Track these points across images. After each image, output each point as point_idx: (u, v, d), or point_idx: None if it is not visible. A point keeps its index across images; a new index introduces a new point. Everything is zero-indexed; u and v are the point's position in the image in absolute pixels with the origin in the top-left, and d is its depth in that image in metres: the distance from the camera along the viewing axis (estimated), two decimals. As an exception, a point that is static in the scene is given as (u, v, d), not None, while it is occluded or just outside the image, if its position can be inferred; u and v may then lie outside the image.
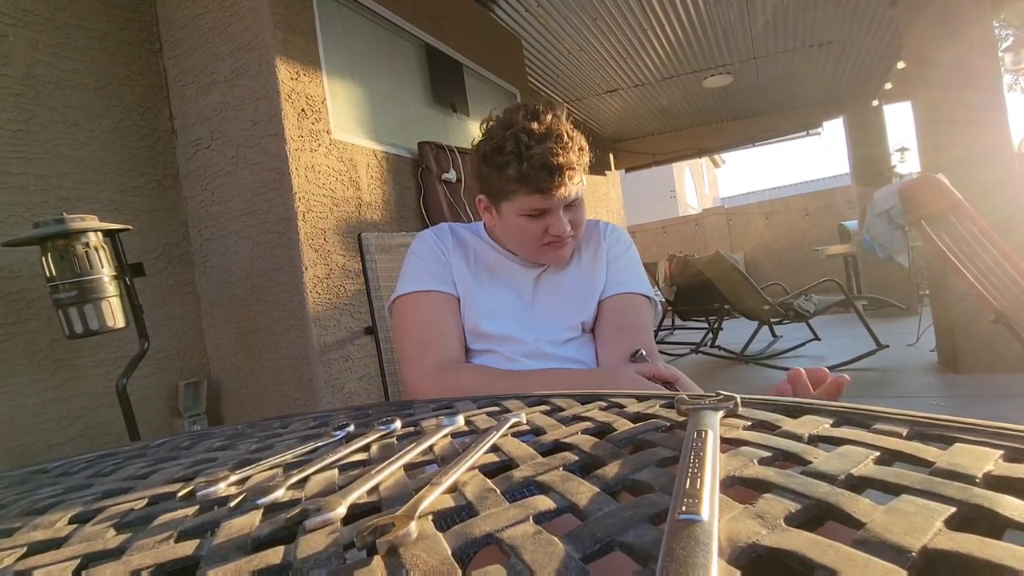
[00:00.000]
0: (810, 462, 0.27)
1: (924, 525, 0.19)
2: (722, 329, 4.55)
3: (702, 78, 5.36)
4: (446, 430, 0.42)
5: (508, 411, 0.47)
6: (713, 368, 4.17)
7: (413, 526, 0.23)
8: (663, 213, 12.41)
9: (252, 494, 0.31)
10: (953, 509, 0.20)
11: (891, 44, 4.82)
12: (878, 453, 0.27)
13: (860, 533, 0.19)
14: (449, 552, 0.21)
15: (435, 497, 0.26)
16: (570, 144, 0.87)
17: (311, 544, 0.24)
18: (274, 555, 0.23)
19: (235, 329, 2.24)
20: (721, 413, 0.35)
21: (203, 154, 2.24)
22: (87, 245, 1.60)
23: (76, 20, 2.02)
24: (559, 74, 4.92)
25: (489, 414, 0.48)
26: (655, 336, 1.06)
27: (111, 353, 1.97)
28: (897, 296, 4.78)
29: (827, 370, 0.63)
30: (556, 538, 0.21)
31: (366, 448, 0.41)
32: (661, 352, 1.04)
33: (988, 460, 0.25)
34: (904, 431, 0.30)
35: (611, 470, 0.29)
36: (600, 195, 6.92)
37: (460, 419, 0.44)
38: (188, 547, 0.26)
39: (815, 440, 0.31)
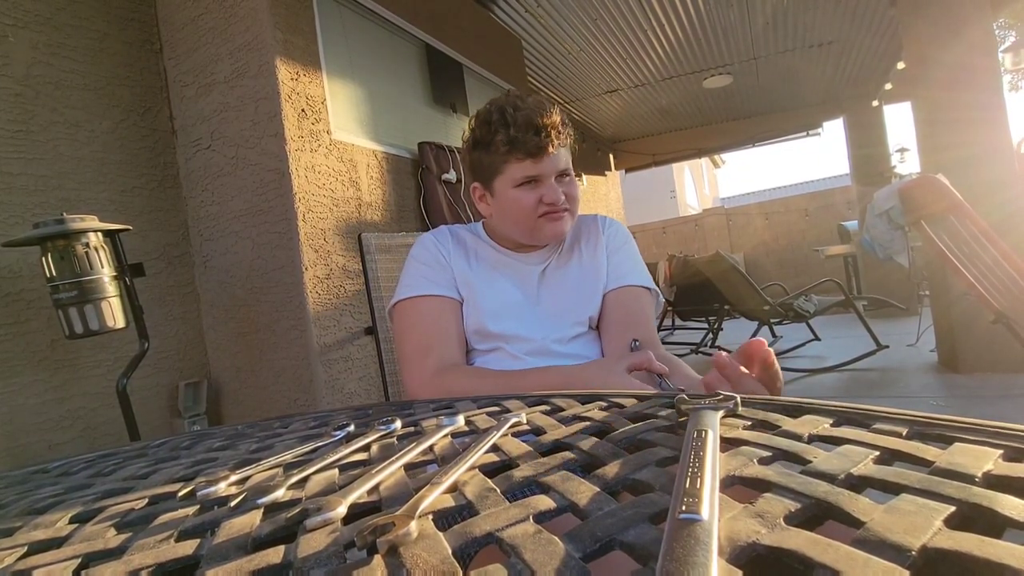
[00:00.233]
0: (810, 461, 0.27)
1: (924, 524, 0.19)
2: (722, 329, 4.55)
3: (702, 78, 5.36)
4: (446, 430, 0.42)
5: (508, 411, 0.47)
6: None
7: (413, 525, 0.23)
8: (663, 213, 12.41)
9: (252, 494, 0.31)
10: (953, 508, 0.20)
11: (891, 44, 4.82)
12: (878, 453, 0.27)
13: (860, 532, 0.19)
14: (449, 551, 0.21)
15: (435, 497, 0.26)
16: (553, 111, 0.92)
17: (311, 544, 0.24)
18: (274, 554, 0.23)
19: (235, 329, 2.24)
20: (721, 413, 0.35)
21: (203, 154, 2.24)
22: (87, 245, 1.60)
23: (76, 21, 2.02)
24: (559, 74, 4.93)
25: (489, 414, 0.48)
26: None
27: (111, 353, 1.97)
28: (897, 296, 4.78)
29: (760, 341, 0.59)
30: (556, 537, 0.21)
31: (366, 448, 0.41)
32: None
33: (988, 459, 0.25)
34: (904, 431, 0.30)
35: (611, 470, 0.29)
36: (600, 195, 6.92)
37: (460, 419, 0.44)
38: (188, 547, 0.26)
39: (815, 439, 0.31)
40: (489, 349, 0.94)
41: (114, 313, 1.64)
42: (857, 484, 0.24)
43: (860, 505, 0.21)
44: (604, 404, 0.46)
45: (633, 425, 0.38)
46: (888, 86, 5.79)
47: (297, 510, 0.27)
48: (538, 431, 0.40)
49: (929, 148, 3.26)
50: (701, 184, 19.17)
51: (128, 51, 2.18)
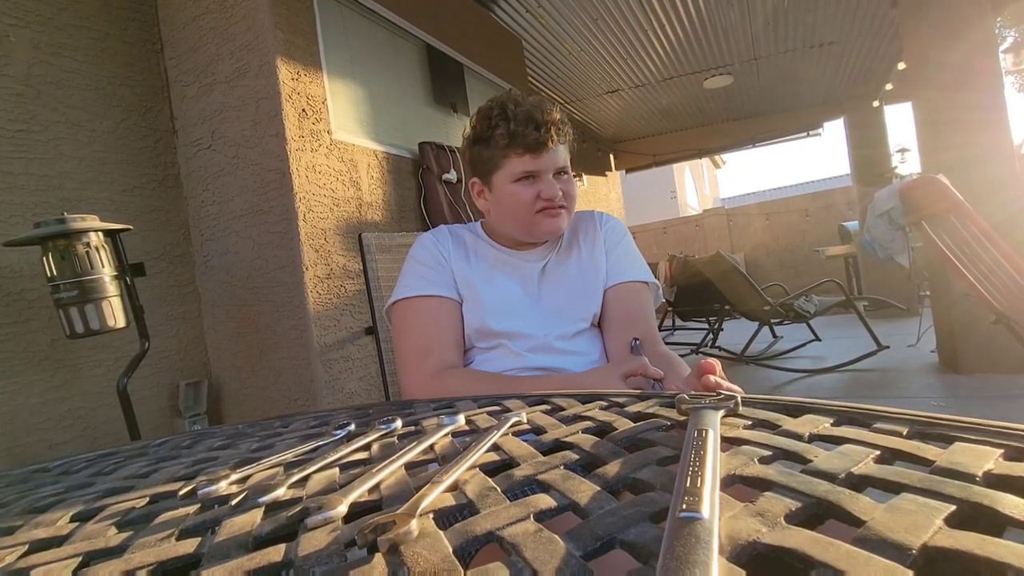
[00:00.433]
0: (811, 461, 0.27)
1: (924, 523, 0.19)
2: (722, 330, 4.55)
3: (703, 79, 5.36)
4: (447, 429, 0.42)
5: (509, 410, 0.47)
6: (713, 369, 4.16)
7: (414, 524, 0.23)
8: (664, 214, 12.40)
9: (253, 493, 0.32)
10: (953, 507, 0.20)
11: (892, 45, 4.82)
12: (878, 452, 0.27)
13: (860, 531, 0.19)
14: (450, 550, 0.21)
15: (436, 496, 0.26)
16: (554, 109, 0.93)
17: (312, 542, 0.24)
18: (275, 553, 0.23)
19: (236, 329, 2.24)
20: (722, 412, 0.35)
21: (204, 154, 2.24)
22: (88, 245, 1.60)
23: (77, 20, 2.02)
24: (559, 74, 4.93)
25: (490, 413, 0.48)
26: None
27: (112, 353, 1.97)
28: (898, 297, 4.77)
29: (709, 363, 0.63)
30: (557, 536, 0.21)
31: (367, 447, 0.41)
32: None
33: (988, 459, 0.25)
34: (904, 430, 0.30)
35: (612, 469, 0.29)
36: (600, 196, 6.91)
37: (461, 418, 0.44)
38: (189, 545, 0.26)
39: (815, 439, 0.31)
40: (490, 347, 0.94)
41: (115, 313, 1.64)
42: (858, 483, 0.24)
43: (861, 504, 0.21)
44: (604, 404, 0.46)
45: (634, 425, 0.38)
46: (889, 86, 5.79)
47: (298, 509, 0.27)
48: (539, 430, 0.40)
49: (930, 149, 3.26)
50: (702, 184, 19.17)
51: (129, 51, 2.19)
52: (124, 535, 0.29)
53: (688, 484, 0.23)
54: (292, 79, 2.09)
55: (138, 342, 1.80)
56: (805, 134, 7.47)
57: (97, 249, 1.62)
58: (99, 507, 0.35)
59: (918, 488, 0.22)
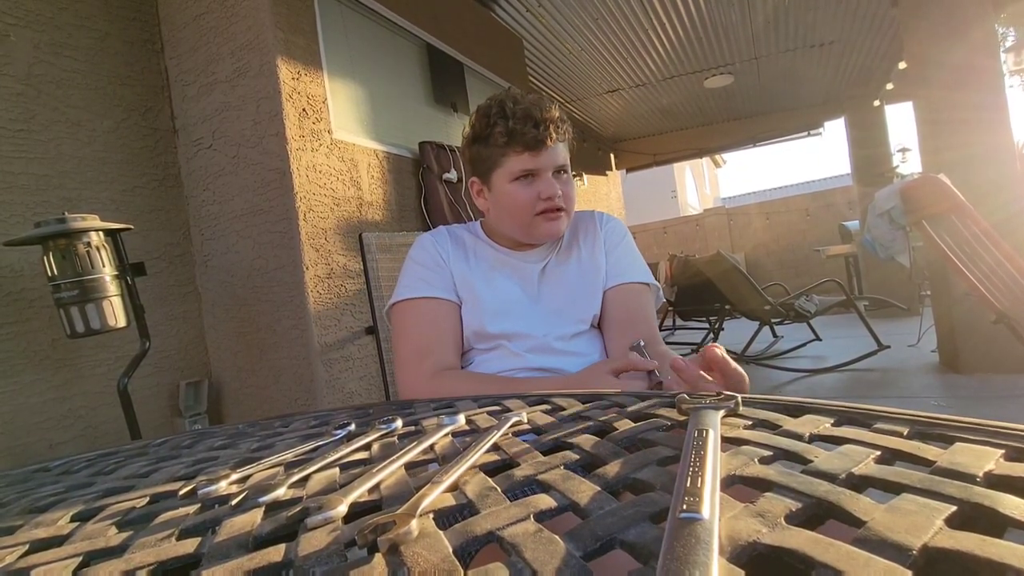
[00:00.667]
0: (811, 461, 0.27)
1: (925, 524, 0.19)
2: (723, 329, 4.54)
3: (703, 78, 5.35)
4: (447, 429, 0.42)
5: (509, 410, 0.47)
6: (714, 368, 4.16)
7: (414, 524, 0.23)
8: (664, 213, 12.40)
9: (253, 492, 0.32)
10: (954, 508, 0.20)
11: (892, 44, 4.81)
12: (879, 452, 0.27)
13: (861, 531, 0.19)
14: (450, 550, 0.21)
15: (436, 496, 0.26)
16: (552, 107, 0.92)
17: (312, 542, 0.24)
18: (276, 553, 0.23)
19: (236, 329, 2.24)
20: (722, 412, 0.35)
21: (204, 154, 2.24)
22: (88, 244, 1.61)
23: (78, 20, 2.02)
24: (560, 74, 4.93)
25: (490, 413, 0.48)
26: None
27: (112, 352, 1.97)
28: (898, 296, 4.77)
29: (714, 347, 0.62)
30: (557, 536, 0.21)
31: (367, 447, 0.41)
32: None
33: (989, 459, 0.25)
34: (905, 430, 0.30)
35: (612, 469, 0.29)
36: (601, 195, 6.91)
37: (461, 418, 0.44)
38: (189, 545, 0.26)
39: (816, 439, 0.31)
40: (490, 347, 0.94)
41: (115, 312, 1.64)
42: (858, 484, 0.24)
43: (861, 504, 0.21)
44: (605, 404, 0.46)
45: (634, 424, 0.38)
46: (889, 86, 5.79)
47: (298, 509, 0.27)
48: (539, 430, 0.40)
49: (930, 148, 3.26)
50: (702, 184, 19.16)
51: (129, 50, 2.19)
52: (124, 535, 0.29)
53: (688, 484, 0.23)
54: (292, 79, 2.09)
55: (138, 342, 1.80)
56: (806, 133, 7.47)
57: (98, 249, 1.63)
58: (99, 507, 0.35)
59: (918, 488, 0.22)
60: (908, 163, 7.15)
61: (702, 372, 0.62)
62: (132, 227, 1.80)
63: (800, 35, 4.58)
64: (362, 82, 2.50)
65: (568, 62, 4.66)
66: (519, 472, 0.30)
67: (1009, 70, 5.50)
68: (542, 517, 0.24)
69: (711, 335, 4.55)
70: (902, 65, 4.70)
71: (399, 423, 0.46)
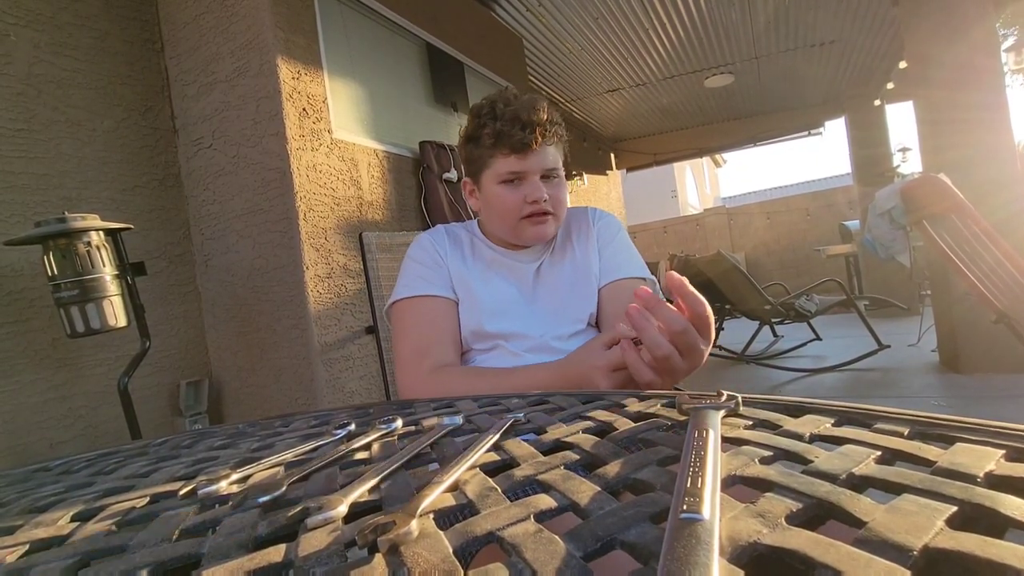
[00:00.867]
0: (811, 461, 0.27)
1: (925, 524, 0.19)
2: (723, 329, 4.55)
3: (703, 78, 5.35)
4: (447, 429, 0.42)
5: (509, 410, 0.47)
6: (714, 368, 4.17)
7: (414, 524, 0.23)
8: (664, 213, 12.40)
9: (253, 492, 0.31)
10: (954, 508, 0.20)
11: (893, 44, 4.81)
12: (879, 452, 0.27)
13: (861, 532, 0.19)
14: (450, 550, 0.21)
15: (436, 496, 0.26)
16: (542, 108, 0.91)
17: (312, 542, 0.24)
18: (275, 553, 0.23)
19: (236, 328, 2.24)
20: (722, 412, 0.35)
21: (204, 153, 2.24)
22: (89, 244, 1.61)
23: (78, 19, 2.02)
24: (560, 73, 4.92)
25: (490, 413, 0.48)
26: None
27: (112, 352, 1.97)
28: (898, 296, 4.77)
29: (671, 275, 0.58)
30: (557, 536, 0.21)
31: (367, 447, 0.41)
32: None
33: (990, 459, 0.24)
34: (905, 430, 0.30)
35: (612, 469, 0.29)
36: (601, 195, 6.91)
37: (461, 418, 0.44)
38: (190, 545, 0.26)
39: (816, 439, 0.31)
40: (488, 348, 0.94)
41: (115, 312, 1.64)
42: (859, 484, 0.24)
43: (862, 505, 0.21)
44: (605, 403, 0.46)
45: (634, 424, 0.38)
46: (890, 85, 5.78)
47: (298, 509, 0.27)
48: (539, 430, 0.40)
49: (931, 148, 3.25)
50: (702, 183, 19.16)
51: (129, 50, 2.19)
52: (124, 535, 0.29)
53: (689, 485, 0.23)
54: (293, 78, 2.09)
55: (139, 341, 1.80)
56: (806, 133, 7.47)
57: (98, 248, 1.63)
58: (99, 507, 0.35)
59: (919, 489, 0.22)
60: (908, 163, 7.15)
61: (666, 304, 0.59)
62: (132, 227, 1.80)
63: (800, 34, 4.58)
64: (362, 82, 2.50)
65: (568, 62, 4.66)
66: (519, 472, 0.30)
67: (1010, 69, 5.50)
68: (542, 517, 0.24)
69: (711, 335, 4.54)
70: (903, 64, 4.70)
71: (399, 423, 0.46)
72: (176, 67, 2.28)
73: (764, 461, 0.28)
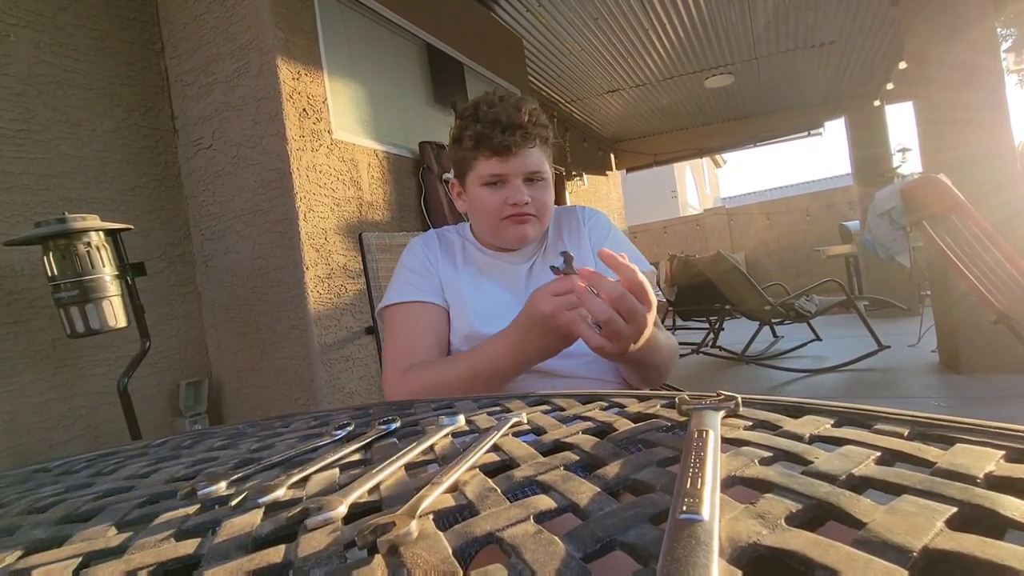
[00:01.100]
0: (811, 462, 0.27)
1: (925, 525, 0.19)
2: (723, 329, 4.54)
3: (703, 78, 5.35)
4: (447, 430, 0.42)
5: (509, 411, 0.47)
6: (714, 368, 4.17)
7: (414, 525, 0.23)
8: (664, 213, 12.40)
9: (253, 493, 0.32)
10: (954, 509, 0.20)
11: (892, 44, 4.81)
12: (879, 453, 0.27)
13: (861, 533, 0.19)
14: (450, 551, 0.21)
15: (436, 496, 0.26)
16: (525, 109, 0.90)
17: (312, 543, 0.24)
18: (275, 554, 0.23)
19: (236, 329, 2.24)
20: (722, 413, 0.35)
21: (204, 154, 2.24)
22: (88, 244, 1.61)
23: (78, 20, 2.02)
24: (560, 74, 4.93)
25: (490, 414, 0.48)
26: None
27: (112, 352, 1.97)
28: (898, 297, 4.77)
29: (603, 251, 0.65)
30: (557, 537, 0.21)
31: (367, 447, 0.41)
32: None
33: (989, 460, 0.24)
34: (905, 431, 0.30)
35: (612, 470, 0.29)
36: (601, 195, 6.92)
37: (461, 419, 0.44)
38: (189, 546, 0.26)
39: (816, 440, 0.31)
40: None
41: (115, 312, 1.64)
42: (858, 485, 0.24)
43: (861, 506, 0.21)
44: (605, 404, 0.46)
45: (634, 425, 0.38)
46: (890, 86, 5.79)
47: (298, 509, 0.27)
48: (539, 431, 0.40)
49: (931, 148, 3.26)
50: (702, 184, 19.16)
51: (129, 50, 2.19)
52: (124, 535, 0.29)
53: (688, 485, 0.23)
54: (293, 79, 2.09)
55: (139, 341, 1.80)
56: (806, 133, 7.47)
57: (98, 248, 1.63)
58: (99, 507, 0.35)
59: (919, 490, 0.22)
60: (908, 163, 7.14)
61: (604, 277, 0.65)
62: (132, 227, 1.80)
63: (800, 35, 4.58)
64: (362, 82, 2.50)
65: (568, 62, 4.66)
66: (519, 473, 0.30)
67: (1008, 69, 5.50)
68: (542, 518, 0.24)
69: (711, 335, 4.55)
70: (902, 65, 4.70)
71: (399, 423, 0.46)
72: (176, 67, 2.28)
73: (764, 462, 0.28)
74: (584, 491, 0.26)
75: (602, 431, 0.37)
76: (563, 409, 0.46)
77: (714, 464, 0.25)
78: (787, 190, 20.83)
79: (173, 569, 0.25)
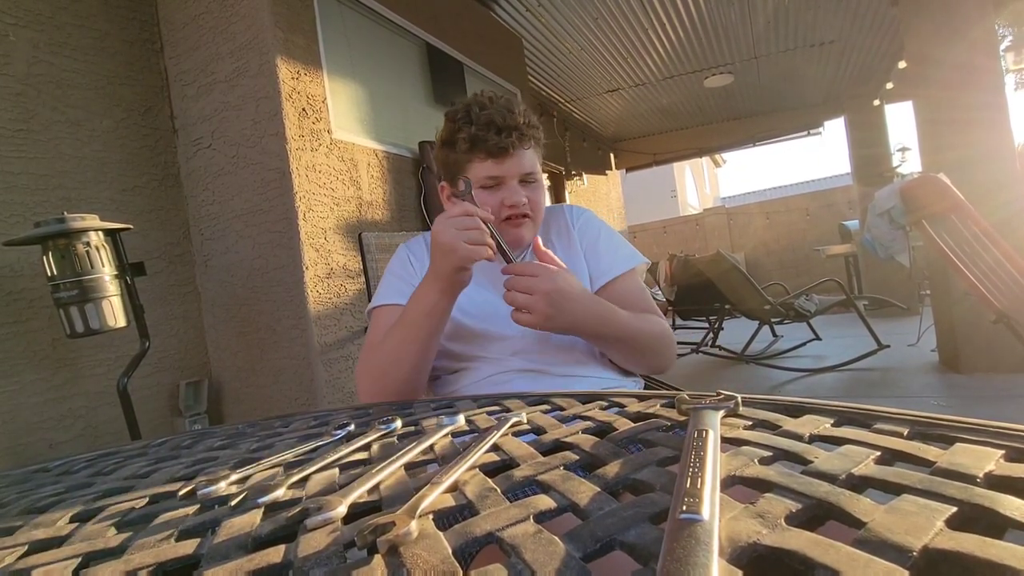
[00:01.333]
0: (811, 462, 0.27)
1: (925, 525, 0.19)
2: (723, 329, 4.54)
3: (703, 78, 5.35)
4: (446, 429, 0.42)
5: (509, 411, 0.47)
6: (714, 368, 4.17)
7: (414, 525, 0.23)
8: (664, 213, 12.40)
9: (253, 493, 0.31)
10: (954, 509, 0.20)
11: (892, 44, 4.81)
12: (879, 453, 0.27)
13: (861, 533, 0.19)
14: (450, 551, 0.21)
15: (436, 496, 0.26)
16: (519, 111, 0.90)
17: (312, 543, 0.24)
18: (275, 554, 0.23)
19: (236, 328, 2.24)
20: (722, 413, 0.35)
21: (204, 153, 2.24)
22: (88, 244, 1.60)
23: (77, 20, 2.02)
24: (560, 73, 4.92)
25: (490, 413, 0.48)
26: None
27: (112, 352, 1.97)
28: (898, 296, 4.77)
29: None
30: (557, 537, 0.21)
31: (367, 447, 0.41)
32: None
33: (989, 460, 0.24)
34: (905, 431, 0.30)
35: (612, 469, 0.29)
36: (601, 195, 6.91)
37: (461, 418, 0.44)
38: (189, 546, 0.26)
39: (816, 440, 0.31)
40: (473, 356, 0.93)
41: (115, 312, 1.64)
42: (858, 484, 0.24)
43: (861, 505, 0.21)
44: (605, 404, 0.46)
45: (634, 425, 0.38)
46: (889, 85, 5.78)
47: (297, 509, 0.27)
48: (539, 431, 0.40)
49: (930, 148, 3.26)
50: (702, 183, 19.16)
51: (129, 50, 2.18)
52: (124, 535, 0.29)
53: (688, 485, 0.23)
54: (292, 78, 2.09)
55: (138, 341, 1.80)
56: (806, 133, 7.47)
57: (97, 248, 1.62)
58: (99, 507, 0.35)
59: (919, 489, 0.22)
60: (908, 163, 7.14)
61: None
62: (132, 227, 1.79)
63: (800, 34, 4.58)
64: (362, 82, 2.50)
65: (568, 62, 4.66)
66: (519, 473, 0.30)
67: (1007, 69, 5.49)
68: (542, 518, 0.24)
69: (711, 335, 4.55)
70: (902, 64, 4.70)
71: (399, 423, 0.46)
72: (175, 67, 2.28)
73: (764, 461, 0.28)
74: (584, 491, 0.26)
75: (602, 431, 0.37)
76: (563, 409, 0.46)
77: (714, 464, 0.25)
78: (787, 190, 20.83)
79: (173, 569, 0.25)
